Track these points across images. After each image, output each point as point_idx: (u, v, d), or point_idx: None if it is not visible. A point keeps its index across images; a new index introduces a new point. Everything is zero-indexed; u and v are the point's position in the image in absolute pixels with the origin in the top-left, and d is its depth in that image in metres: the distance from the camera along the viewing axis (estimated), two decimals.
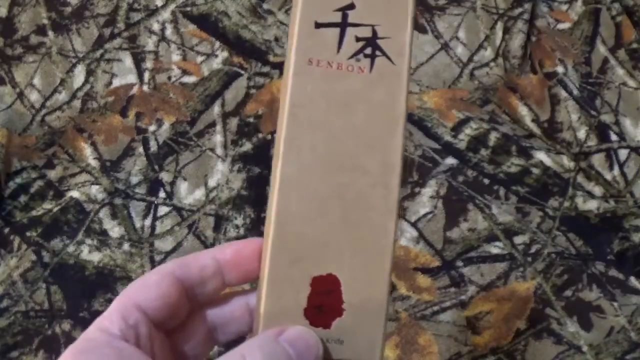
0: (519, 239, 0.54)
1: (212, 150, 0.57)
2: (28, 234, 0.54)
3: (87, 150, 0.57)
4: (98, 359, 0.24)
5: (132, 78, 0.60)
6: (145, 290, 0.27)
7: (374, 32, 0.28)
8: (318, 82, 0.27)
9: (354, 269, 0.27)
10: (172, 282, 0.27)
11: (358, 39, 0.28)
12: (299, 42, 0.27)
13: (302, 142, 0.27)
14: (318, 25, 0.28)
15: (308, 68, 0.27)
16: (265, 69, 0.60)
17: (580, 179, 0.56)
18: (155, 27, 0.62)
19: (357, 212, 0.27)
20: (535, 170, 0.56)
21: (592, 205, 0.56)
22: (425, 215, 0.55)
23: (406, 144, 0.27)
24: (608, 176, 0.57)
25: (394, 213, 0.27)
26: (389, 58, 0.28)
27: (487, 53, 0.61)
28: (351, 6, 0.28)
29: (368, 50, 0.28)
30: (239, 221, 0.55)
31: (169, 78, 0.60)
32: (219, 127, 0.58)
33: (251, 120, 0.58)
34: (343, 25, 0.28)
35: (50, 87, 0.59)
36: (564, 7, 0.63)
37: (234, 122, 0.58)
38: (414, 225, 0.55)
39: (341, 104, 0.27)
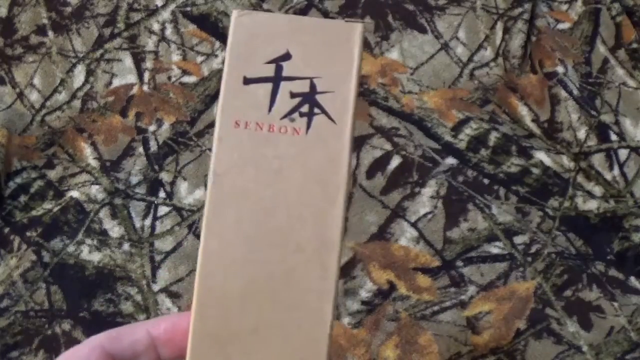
0: (519, 239, 0.54)
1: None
2: (28, 234, 0.54)
3: (87, 150, 0.57)
4: None
5: (132, 78, 0.60)
6: None
7: (313, 86, 0.24)
8: (246, 148, 0.23)
9: (285, 359, 0.24)
10: (102, 356, 0.26)
11: (293, 95, 0.24)
12: (225, 101, 0.24)
13: (227, 215, 0.23)
14: (247, 81, 0.24)
15: (235, 131, 0.23)
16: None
17: (580, 179, 0.56)
18: (155, 27, 0.62)
19: (289, 294, 0.23)
20: (535, 170, 0.56)
21: (592, 205, 0.56)
22: (425, 215, 0.55)
23: (346, 217, 0.24)
24: (608, 176, 0.57)
25: (332, 296, 0.23)
26: (329, 116, 0.24)
27: (487, 53, 0.61)
28: (286, 56, 0.24)
29: (304, 108, 0.24)
30: None
31: (169, 78, 0.60)
32: None
33: None
34: (276, 79, 0.24)
35: (50, 87, 0.59)
36: (564, 7, 0.63)
37: None
38: (414, 225, 0.55)
39: (272, 172, 0.23)
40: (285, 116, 0.24)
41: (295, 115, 0.24)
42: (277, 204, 0.24)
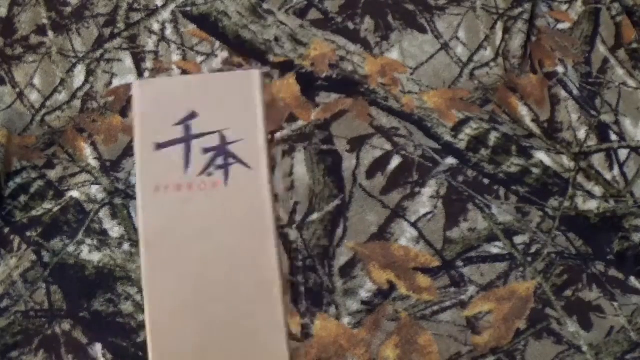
0: (519, 239, 0.54)
1: None
2: (28, 234, 0.54)
3: (87, 150, 0.57)
4: None
5: (132, 78, 0.60)
6: None
7: (222, 138, 0.24)
8: (169, 210, 0.23)
9: None
10: None
11: (206, 150, 0.24)
12: (142, 169, 0.24)
13: (165, 282, 0.23)
14: (159, 146, 0.24)
15: (156, 197, 0.24)
16: (265, 69, 0.60)
17: (580, 179, 0.56)
18: (155, 27, 0.62)
19: (241, 342, 0.23)
20: (535, 170, 0.56)
21: (592, 205, 0.56)
22: (425, 215, 0.55)
23: (282, 260, 0.24)
24: (608, 176, 0.57)
25: (283, 332, 0.24)
26: (244, 163, 0.24)
27: (487, 53, 0.61)
28: (193, 115, 0.24)
29: (219, 161, 0.24)
30: None
31: None
32: None
33: None
34: (187, 139, 0.24)
35: (50, 87, 0.59)
36: (564, 7, 0.63)
37: None
38: (414, 225, 0.55)
39: (200, 228, 0.23)
40: (202, 172, 0.24)
41: (212, 169, 0.24)
42: (211, 258, 0.24)
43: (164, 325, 0.24)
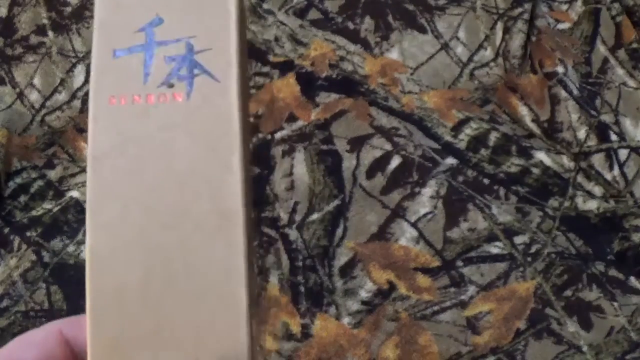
0: (519, 239, 0.54)
1: None
2: (28, 234, 0.54)
3: (87, 150, 0.57)
4: None
5: None
6: (28, 348, 0.24)
7: (189, 47, 0.22)
8: (124, 124, 0.21)
9: (200, 357, 0.21)
10: (59, 342, 0.24)
11: (169, 60, 0.22)
12: (96, 78, 0.22)
13: (111, 203, 0.21)
14: (117, 53, 0.22)
15: (109, 109, 0.21)
16: (265, 69, 0.60)
17: (580, 179, 0.56)
18: None
19: (193, 282, 0.21)
20: (535, 170, 0.56)
21: (592, 205, 0.56)
22: (425, 215, 0.55)
23: (250, 184, 0.21)
24: (608, 176, 0.57)
25: (242, 276, 0.21)
26: (210, 75, 0.22)
27: (487, 53, 0.61)
28: (157, 21, 0.22)
29: (183, 71, 0.22)
30: None
31: None
32: None
33: (251, 120, 0.58)
34: (148, 46, 0.22)
35: (50, 87, 0.59)
36: (564, 7, 0.63)
37: None
38: (414, 225, 0.55)
39: (156, 146, 0.21)
40: (162, 83, 0.22)
41: (174, 79, 0.22)
42: (167, 182, 0.21)
43: (106, 254, 0.21)
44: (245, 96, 0.22)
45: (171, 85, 0.22)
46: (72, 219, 0.55)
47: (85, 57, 0.61)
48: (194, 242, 0.21)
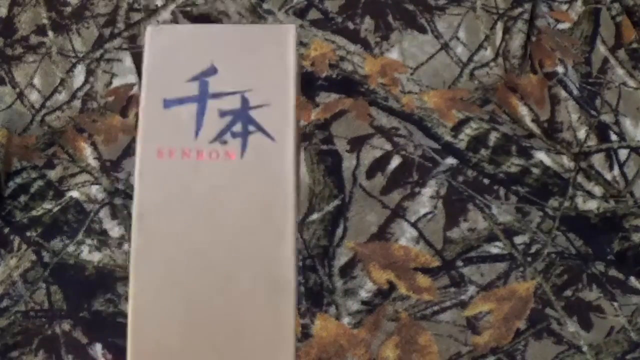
0: (519, 239, 0.54)
1: None
2: (28, 234, 0.54)
3: (87, 150, 0.57)
4: None
5: (132, 78, 0.60)
6: None
7: (244, 101, 0.20)
8: (172, 181, 0.20)
9: None
10: None
11: (223, 114, 0.20)
12: (145, 129, 0.20)
13: (155, 262, 0.19)
14: (168, 104, 0.20)
15: (157, 163, 0.20)
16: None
17: (580, 179, 0.56)
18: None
19: (239, 351, 0.19)
20: (535, 170, 0.56)
21: (592, 205, 0.56)
22: (425, 215, 0.55)
23: (298, 259, 0.17)
24: (608, 176, 0.57)
25: (291, 348, 0.19)
26: (266, 133, 0.20)
27: (487, 53, 0.61)
28: (211, 70, 0.20)
29: (237, 127, 0.20)
30: None
31: None
32: None
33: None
34: (201, 97, 0.20)
35: (50, 87, 0.59)
36: (564, 7, 0.63)
37: None
38: (414, 225, 0.55)
39: (205, 206, 0.20)
40: (215, 139, 0.20)
41: (227, 136, 0.20)
42: (215, 245, 0.19)
43: (149, 314, 0.19)
44: (298, 153, 0.20)
45: (224, 142, 0.20)
46: (72, 219, 0.55)
47: (85, 57, 0.61)
48: (241, 309, 0.19)
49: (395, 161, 0.57)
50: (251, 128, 0.20)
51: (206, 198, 0.20)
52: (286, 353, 0.19)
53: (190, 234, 0.20)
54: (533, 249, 0.54)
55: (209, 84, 0.20)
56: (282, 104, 0.20)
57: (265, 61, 0.20)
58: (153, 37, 0.21)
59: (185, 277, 0.20)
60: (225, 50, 0.21)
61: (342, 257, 0.54)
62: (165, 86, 0.21)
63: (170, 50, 0.21)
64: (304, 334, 0.52)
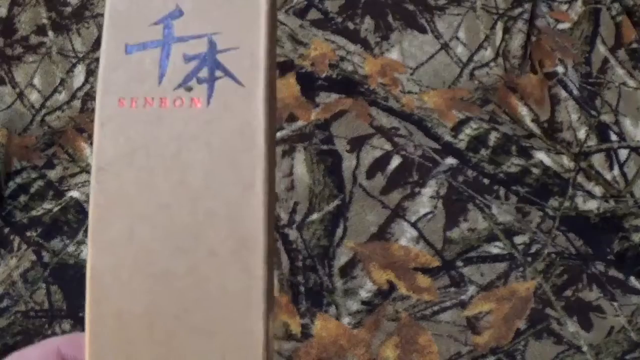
0: (519, 239, 0.54)
1: None
2: (28, 234, 0.54)
3: (87, 150, 0.57)
4: None
5: None
6: None
7: (212, 44, 0.19)
8: (134, 131, 0.19)
9: None
10: None
11: (188, 58, 0.19)
12: (105, 77, 0.19)
13: (116, 221, 0.18)
14: (130, 49, 0.19)
15: (119, 112, 0.19)
16: None
17: (580, 179, 0.56)
18: None
19: (205, 313, 0.18)
20: (535, 170, 0.56)
21: (592, 205, 0.56)
22: (425, 215, 0.55)
23: (273, 205, 0.19)
24: (608, 176, 0.57)
25: (261, 309, 0.18)
26: (234, 78, 0.19)
27: (487, 53, 0.61)
28: (176, 13, 0.19)
29: (203, 73, 0.19)
30: None
31: None
32: None
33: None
34: (165, 42, 0.19)
35: (50, 87, 0.59)
36: (564, 7, 0.63)
37: None
38: (414, 225, 0.55)
39: (169, 158, 0.18)
40: (180, 85, 0.19)
41: (193, 82, 0.19)
42: (179, 199, 0.18)
43: (109, 277, 0.18)
44: (272, 104, 0.19)
45: (189, 89, 0.19)
46: (72, 219, 0.55)
47: (85, 57, 0.61)
48: (207, 269, 0.18)
49: (395, 161, 0.57)
50: (218, 73, 0.19)
51: (170, 149, 0.19)
52: (255, 315, 0.18)
53: (152, 187, 0.19)
54: (533, 249, 0.54)
55: (174, 27, 0.19)
56: (252, 47, 0.19)
57: (235, 3, 0.19)
58: None
59: (147, 235, 0.18)
60: None
61: (342, 257, 0.54)
62: (127, 31, 0.19)
63: None
64: (304, 334, 0.52)
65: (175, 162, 0.19)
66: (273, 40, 0.19)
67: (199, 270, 0.18)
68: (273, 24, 0.20)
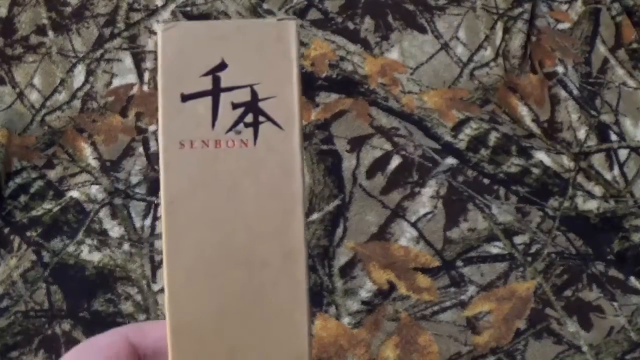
0: (519, 239, 0.54)
1: None
2: (28, 234, 0.54)
3: (87, 150, 0.57)
4: None
5: (132, 78, 0.60)
6: (95, 352, 0.25)
7: (254, 94, 0.23)
8: (194, 169, 0.23)
9: None
10: (125, 348, 0.25)
11: (235, 106, 0.23)
12: (165, 123, 0.23)
13: (185, 243, 0.23)
14: (185, 98, 0.23)
15: (180, 153, 0.23)
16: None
17: (580, 179, 0.56)
18: (155, 27, 0.62)
19: (262, 312, 0.23)
20: (535, 170, 0.56)
21: (592, 205, 0.56)
22: (425, 215, 0.55)
23: (306, 228, 0.24)
24: (608, 176, 0.57)
25: (305, 306, 0.23)
26: (275, 123, 0.23)
27: (487, 53, 0.61)
28: (222, 66, 0.23)
29: (249, 118, 0.23)
30: None
31: None
32: None
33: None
34: (215, 91, 0.23)
35: (50, 87, 0.59)
36: (564, 7, 0.63)
37: None
38: (414, 225, 0.55)
39: (225, 190, 0.23)
40: (230, 129, 0.23)
41: (240, 126, 0.23)
42: (236, 223, 0.23)
43: (183, 290, 0.23)
44: (303, 140, 0.23)
45: (238, 132, 0.23)
46: (72, 219, 0.55)
47: (85, 57, 0.61)
48: (262, 278, 0.23)
49: (395, 161, 0.57)
50: (261, 118, 0.23)
51: (226, 183, 0.23)
52: (301, 310, 0.23)
53: (213, 215, 0.23)
54: (533, 249, 0.54)
55: (221, 78, 0.23)
56: (288, 95, 0.23)
57: (270, 56, 0.23)
58: (165, 35, 0.23)
59: (213, 256, 0.23)
60: (233, 46, 0.23)
61: (342, 257, 0.54)
62: (179, 82, 0.23)
63: (182, 47, 0.23)
64: None
65: (230, 193, 0.23)
66: (301, 85, 0.23)
67: (256, 279, 0.23)
68: (300, 73, 0.24)
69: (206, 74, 0.23)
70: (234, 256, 0.23)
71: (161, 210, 0.23)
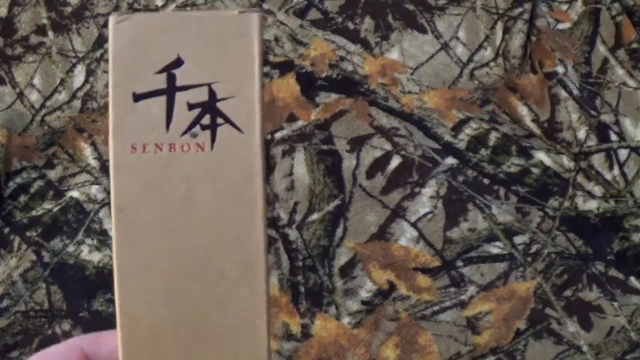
0: (519, 239, 0.54)
1: None
2: (28, 234, 0.54)
3: (87, 150, 0.57)
4: None
5: None
6: None
7: (212, 93, 0.21)
8: (147, 174, 0.21)
9: None
10: (80, 359, 0.25)
11: (191, 106, 0.21)
12: (116, 125, 0.21)
13: (137, 253, 0.22)
14: (137, 98, 0.21)
15: (131, 158, 0.21)
16: (265, 69, 0.60)
17: (580, 179, 0.56)
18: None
19: (220, 325, 0.22)
20: (535, 170, 0.56)
21: (592, 205, 0.56)
22: (425, 215, 0.55)
23: (268, 233, 0.23)
24: (608, 176, 0.57)
25: (264, 319, 0.22)
26: (234, 125, 0.21)
27: (487, 53, 0.61)
28: (178, 62, 0.21)
29: (206, 120, 0.21)
30: None
31: None
32: None
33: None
34: (170, 90, 0.21)
35: (50, 87, 0.59)
36: (564, 7, 0.63)
37: None
38: (414, 225, 0.55)
39: (180, 197, 0.21)
40: (185, 132, 0.21)
41: (197, 129, 0.21)
42: (192, 232, 0.21)
43: (135, 301, 0.22)
44: (264, 143, 0.22)
45: (194, 135, 0.21)
46: (72, 219, 0.55)
47: (85, 57, 0.61)
48: (219, 289, 0.22)
49: (395, 161, 0.57)
50: (219, 120, 0.21)
51: (181, 190, 0.21)
52: (260, 320, 0.22)
53: (167, 223, 0.21)
54: (533, 249, 0.54)
55: (177, 76, 0.21)
56: (249, 95, 0.21)
57: (231, 52, 0.21)
58: (116, 28, 0.21)
59: (167, 265, 0.21)
60: (191, 40, 0.21)
61: (342, 257, 0.54)
62: (133, 80, 0.21)
63: (135, 41, 0.21)
64: (304, 334, 0.52)
65: (186, 201, 0.21)
66: (263, 86, 0.22)
67: (212, 290, 0.22)
68: (263, 72, 0.22)
69: (160, 71, 0.21)
70: (190, 267, 0.22)
71: (112, 220, 0.22)
